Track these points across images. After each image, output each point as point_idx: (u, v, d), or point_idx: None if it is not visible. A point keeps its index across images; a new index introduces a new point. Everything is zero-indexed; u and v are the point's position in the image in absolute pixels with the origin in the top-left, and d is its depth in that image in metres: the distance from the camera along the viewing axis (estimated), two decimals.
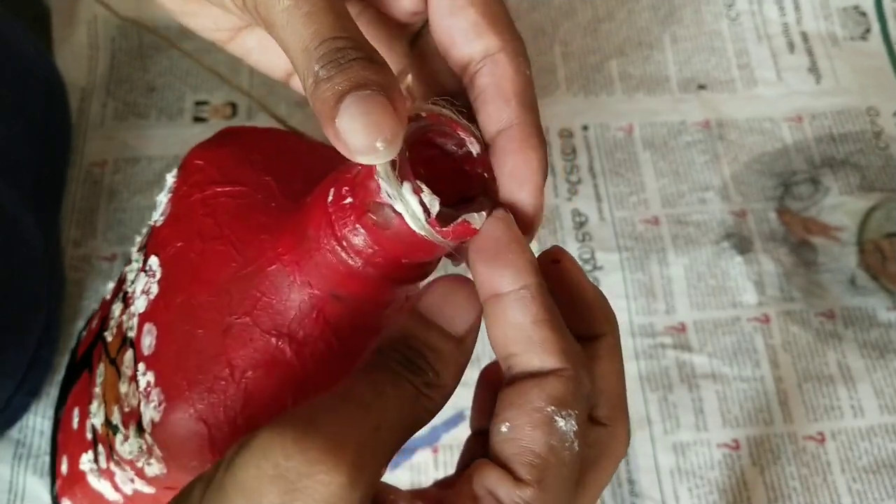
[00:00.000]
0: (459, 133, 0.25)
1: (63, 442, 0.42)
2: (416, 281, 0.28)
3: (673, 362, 0.54)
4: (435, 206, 0.24)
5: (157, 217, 0.32)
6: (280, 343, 0.28)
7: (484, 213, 0.25)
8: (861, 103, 0.64)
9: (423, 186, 0.23)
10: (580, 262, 0.56)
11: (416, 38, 0.29)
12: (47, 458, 0.49)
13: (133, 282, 0.33)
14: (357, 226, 0.25)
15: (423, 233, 0.24)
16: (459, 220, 0.24)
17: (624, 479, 0.50)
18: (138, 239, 0.37)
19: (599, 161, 0.61)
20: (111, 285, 0.40)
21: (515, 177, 0.25)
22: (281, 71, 0.33)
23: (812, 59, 0.66)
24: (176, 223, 0.31)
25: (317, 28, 0.23)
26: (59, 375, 0.51)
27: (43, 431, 0.50)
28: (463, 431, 0.51)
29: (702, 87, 0.65)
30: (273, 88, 0.63)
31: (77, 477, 0.39)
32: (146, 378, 0.29)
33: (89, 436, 0.37)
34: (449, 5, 0.26)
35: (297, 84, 0.33)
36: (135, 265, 0.34)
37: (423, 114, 0.25)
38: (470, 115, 0.26)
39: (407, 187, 0.23)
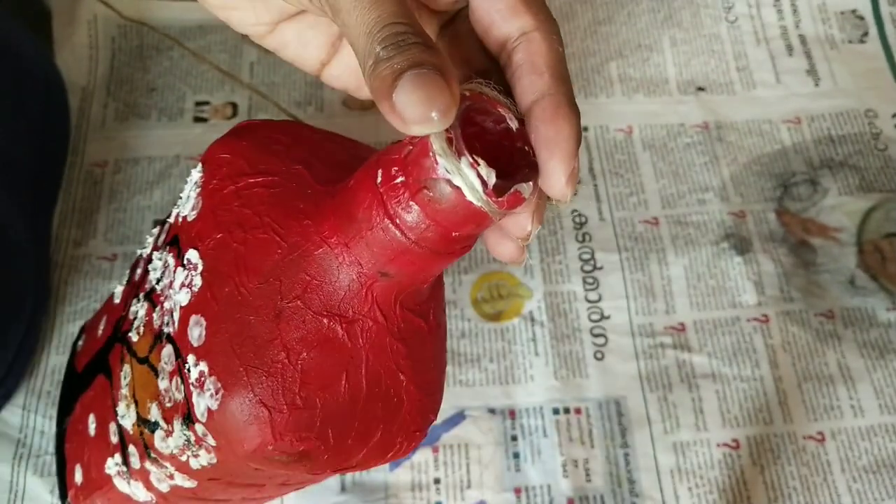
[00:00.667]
0: (499, 110, 0.27)
1: (74, 451, 0.42)
2: (460, 254, 0.29)
3: (673, 362, 0.54)
4: (492, 177, 0.25)
5: (188, 212, 0.33)
6: (331, 323, 0.29)
7: (531, 183, 0.26)
8: (859, 105, 0.64)
9: (480, 160, 0.25)
10: (580, 263, 0.57)
11: (447, 24, 0.31)
12: (48, 458, 0.49)
13: (160, 279, 0.34)
14: (411, 203, 0.26)
15: (480, 204, 0.25)
16: (512, 190, 0.25)
17: (624, 478, 0.50)
18: (149, 239, 0.37)
19: (599, 162, 0.61)
20: (119, 289, 0.40)
21: (548, 144, 0.26)
22: (315, 62, 0.34)
23: (810, 61, 0.67)
24: (212, 216, 0.32)
25: (380, 14, 0.25)
26: (59, 376, 0.51)
27: (43, 431, 0.50)
28: (463, 431, 0.51)
29: (701, 89, 0.65)
30: (273, 89, 0.63)
31: (98, 483, 0.39)
32: (198, 368, 0.30)
33: (114, 439, 0.37)
34: None
35: (329, 77, 0.34)
36: (158, 263, 0.34)
37: (467, 93, 0.26)
38: (506, 94, 0.27)
39: (465, 161, 0.25)
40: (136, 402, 0.34)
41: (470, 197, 0.25)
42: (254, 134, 0.34)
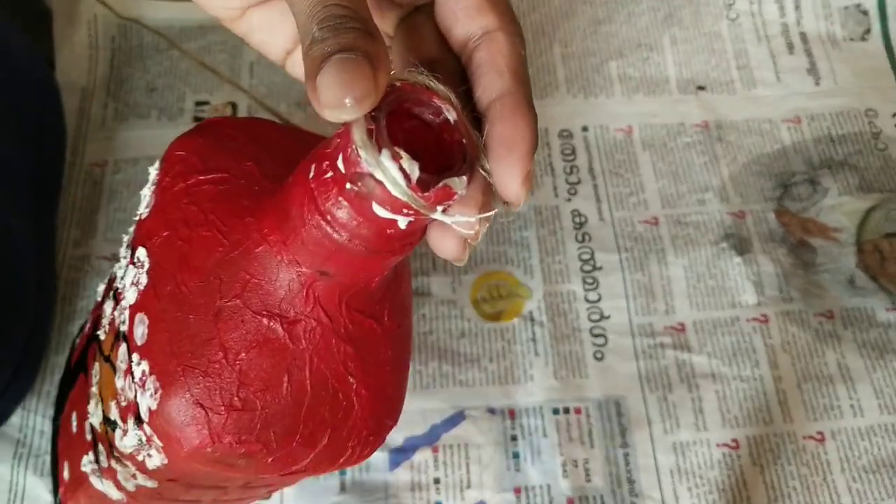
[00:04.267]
0: (434, 101, 0.26)
1: (63, 447, 0.42)
2: (401, 252, 0.28)
3: (672, 362, 0.54)
4: (415, 170, 0.24)
5: (143, 210, 0.33)
6: (271, 323, 0.28)
7: (465, 178, 0.25)
8: (860, 105, 0.64)
9: (402, 152, 0.24)
10: (580, 262, 0.57)
11: (410, 15, 0.31)
12: (47, 458, 0.49)
13: (122, 278, 0.33)
14: (340, 198, 0.25)
15: (404, 199, 0.24)
16: (440, 184, 0.24)
17: (624, 479, 0.50)
18: (125, 238, 0.37)
19: (599, 162, 0.61)
20: (101, 287, 0.40)
21: (505, 143, 0.26)
22: (281, 51, 0.34)
23: (811, 60, 0.67)
24: (161, 213, 0.31)
25: None
26: (59, 376, 0.51)
27: (43, 431, 0.50)
28: (463, 431, 0.51)
29: (701, 88, 0.65)
30: (273, 89, 0.63)
31: (80, 480, 0.39)
32: (140, 368, 0.30)
33: (88, 437, 0.37)
34: None
35: (292, 66, 0.34)
36: (123, 261, 0.34)
37: (398, 83, 0.25)
38: (452, 84, 0.27)
39: (386, 154, 0.23)
40: (102, 401, 0.34)
41: (393, 191, 0.24)
42: (212, 131, 0.33)
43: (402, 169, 0.24)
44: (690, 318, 0.56)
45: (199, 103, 0.62)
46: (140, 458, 0.31)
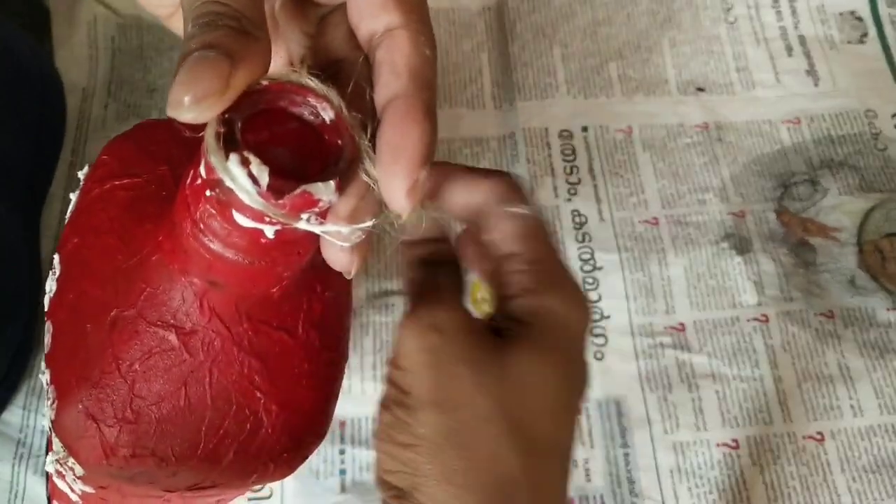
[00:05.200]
0: (310, 99, 0.24)
1: (50, 447, 0.42)
2: (289, 261, 0.26)
3: (672, 362, 0.54)
4: (264, 176, 0.22)
5: (67, 216, 0.32)
6: (167, 334, 0.27)
7: (332, 183, 0.23)
8: (859, 105, 0.65)
9: (252, 157, 0.22)
10: (580, 262, 0.57)
11: (326, 15, 0.29)
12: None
13: None
14: (207, 206, 0.24)
15: (256, 206, 0.22)
16: (298, 190, 0.22)
17: (624, 478, 0.50)
18: None
19: (599, 162, 0.61)
20: None
21: (390, 148, 0.24)
22: None
23: (810, 61, 0.67)
24: (76, 220, 0.31)
25: None
26: None
27: (44, 431, 0.50)
28: None
29: (700, 89, 0.65)
30: None
31: (53, 481, 0.38)
32: (45, 377, 0.29)
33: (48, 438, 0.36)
34: None
35: None
36: None
37: (266, 82, 0.24)
38: (344, 83, 0.25)
39: (234, 159, 0.22)
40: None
41: (244, 198, 0.22)
42: (141, 133, 0.32)
43: (251, 174, 0.22)
44: (690, 318, 0.56)
45: None
46: (69, 464, 0.31)
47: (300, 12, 0.30)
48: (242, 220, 0.23)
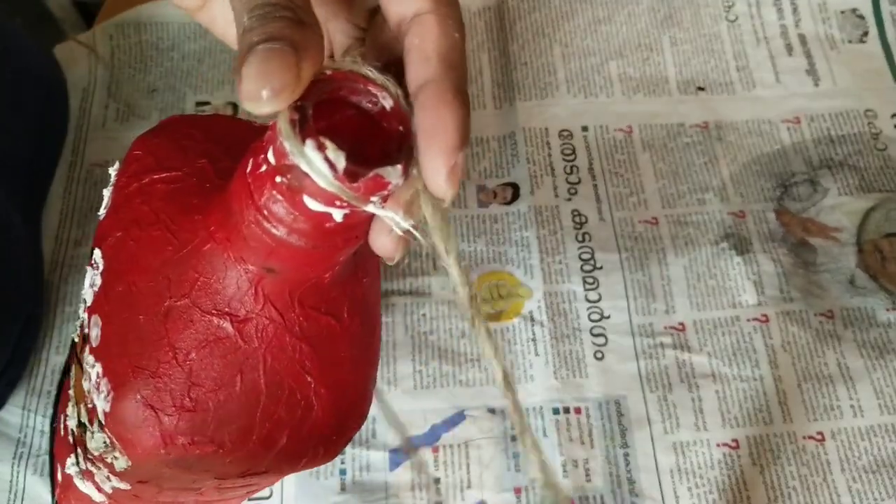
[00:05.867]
0: (370, 88, 0.25)
1: (57, 450, 0.42)
2: (347, 246, 0.27)
3: (672, 362, 0.54)
4: (340, 160, 0.23)
5: (102, 212, 0.32)
6: (221, 322, 0.28)
7: (399, 167, 0.24)
8: (859, 105, 0.64)
9: (328, 142, 0.23)
10: (580, 262, 0.57)
11: (377, 9, 0.30)
12: (47, 458, 0.49)
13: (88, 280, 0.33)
14: (273, 192, 0.24)
15: (332, 189, 0.23)
16: (371, 174, 0.23)
17: (624, 478, 0.50)
18: None
19: (599, 162, 0.61)
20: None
21: (428, 133, 0.25)
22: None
23: (810, 61, 0.67)
24: (115, 214, 0.31)
25: None
26: (59, 376, 0.51)
27: (43, 431, 0.50)
28: (463, 431, 0.51)
29: (700, 88, 0.65)
30: None
31: (68, 482, 0.38)
32: (95, 370, 0.29)
33: (70, 439, 0.36)
34: None
35: None
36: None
37: (329, 72, 0.24)
38: (397, 73, 0.26)
39: (310, 144, 0.23)
40: (77, 403, 0.34)
41: (320, 182, 0.23)
42: (170, 130, 0.32)
43: (327, 159, 0.23)
44: (690, 318, 0.56)
45: (199, 104, 0.62)
46: (109, 460, 0.31)
47: (346, 3, 0.30)
48: (314, 204, 0.24)
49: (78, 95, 0.62)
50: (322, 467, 0.50)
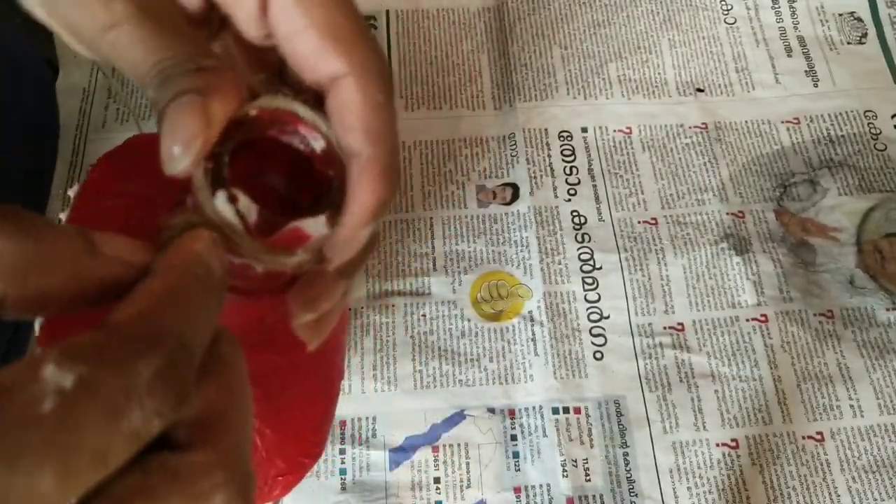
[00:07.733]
0: (300, 129, 0.23)
1: None
2: (283, 289, 0.25)
3: (672, 362, 0.54)
4: (252, 214, 0.22)
5: None
6: None
7: (322, 217, 0.22)
8: (859, 106, 0.65)
9: (240, 194, 0.21)
10: (579, 263, 0.57)
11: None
12: None
13: None
14: None
15: (242, 242, 0.22)
16: (288, 226, 0.22)
17: (623, 478, 0.50)
18: None
19: (598, 162, 0.61)
20: None
21: (350, 203, 0.24)
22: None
23: (810, 62, 0.67)
24: None
25: (146, 50, 0.22)
26: None
27: None
28: (463, 431, 0.51)
29: (700, 90, 0.65)
30: None
31: None
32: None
33: None
34: (289, 30, 0.24)
35: None
36: None
37: (254, 111, 0.23)
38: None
39: (221, 195, 0.21)
40: None
41: (231, 235, 0.21)
42: (132, 150, 0.31)
43: (238, 212, 0.21)
44: (690, 318, 0.56)
45: None
46: None
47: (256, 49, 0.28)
48: (231, 255, 0.22)
49: (78, 96, 0.62)
50: (322, 467, 0.50)
